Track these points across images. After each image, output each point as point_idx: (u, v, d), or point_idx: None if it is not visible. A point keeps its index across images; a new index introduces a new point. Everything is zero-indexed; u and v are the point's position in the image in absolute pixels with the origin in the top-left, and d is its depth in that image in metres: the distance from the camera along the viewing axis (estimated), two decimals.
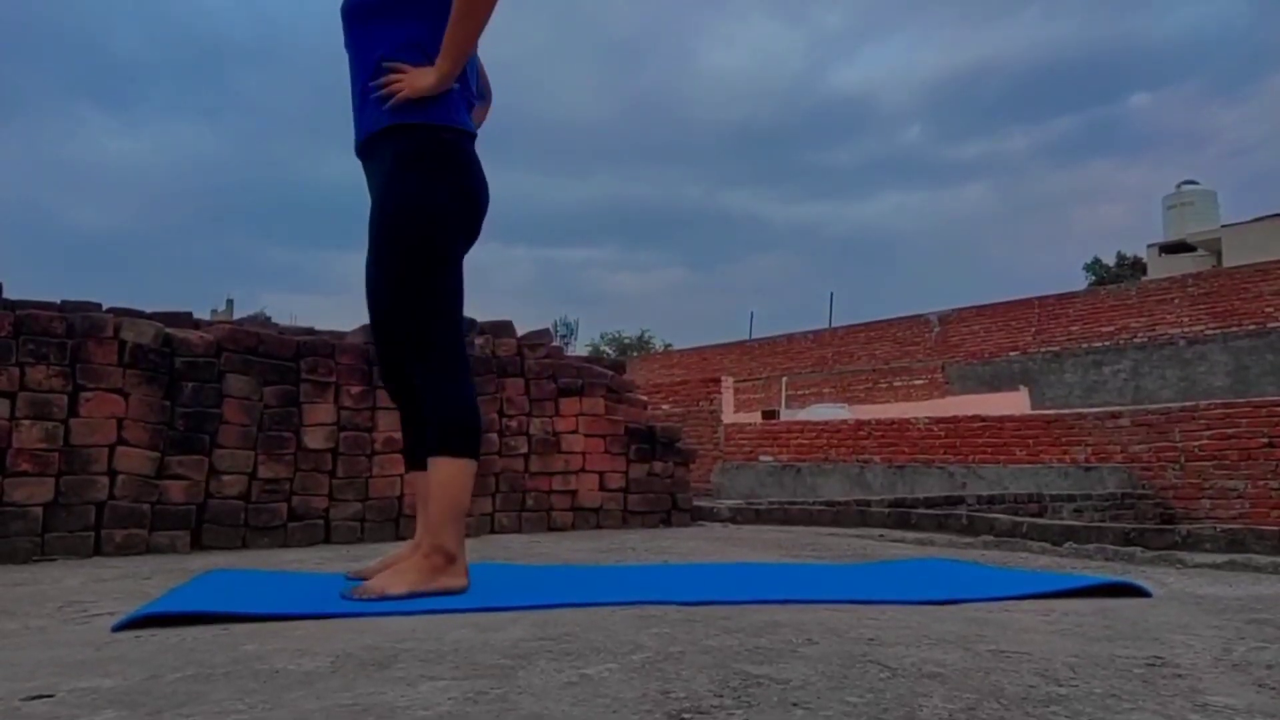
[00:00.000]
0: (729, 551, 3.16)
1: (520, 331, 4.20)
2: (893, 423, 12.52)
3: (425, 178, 2.03)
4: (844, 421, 13.17)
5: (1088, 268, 34.25)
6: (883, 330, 20.43)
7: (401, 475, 3.62)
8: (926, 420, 12.16)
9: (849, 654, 1.34)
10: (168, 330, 3.26)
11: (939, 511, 5.40)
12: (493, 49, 2.26)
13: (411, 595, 1.85)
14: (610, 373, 4.42)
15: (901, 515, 5.09)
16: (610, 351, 35.03)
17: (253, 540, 3.26)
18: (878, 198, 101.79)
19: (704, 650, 1.35)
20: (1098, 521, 7.05)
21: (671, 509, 4.38)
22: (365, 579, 1.98)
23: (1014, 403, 13.69)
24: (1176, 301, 16.51)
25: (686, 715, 1.02)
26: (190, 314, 3.62)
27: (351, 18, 2.14)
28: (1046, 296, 18.35)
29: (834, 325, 22.40)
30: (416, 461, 2.16)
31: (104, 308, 3.31)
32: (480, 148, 2.17)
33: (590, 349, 35.23)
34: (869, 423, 12.75)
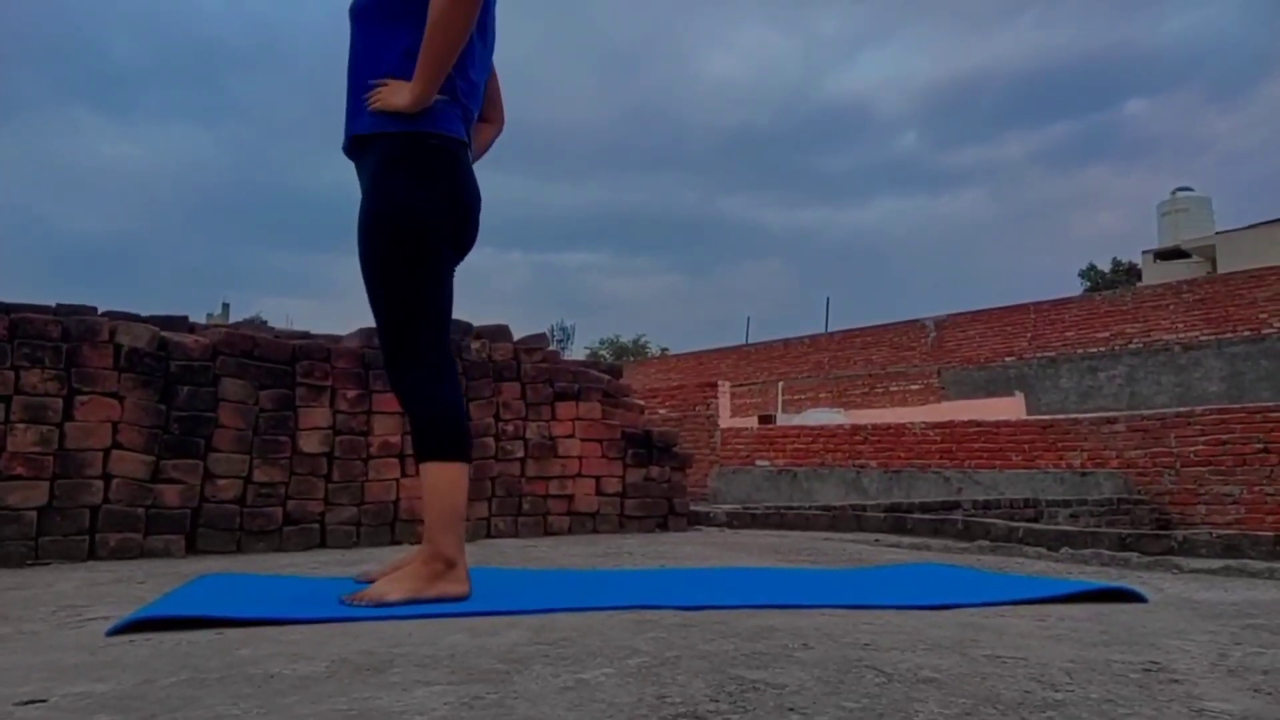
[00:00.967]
0: (725, 556, 3.16)
1: (517, 336, 4.19)
2: (889, 428, 12.52)
3: (408, 181, 2.00)
4: (840, 426, 13.17)
5: (1083, 274, 34.34)
6: (879, 335, 20.44)
7: (397, 479, 3.62)
8: (922, 425, 12.16)
9: (845, 659, 1.34)
10: (163, 334, 3.26)
11: (935, 516, 5.41)
12: (493, 51, 2.25)
13: (410, 601, 1.83)
14: (607, 377, 4.41)
15: (897, 520, 5.09)
16: (607, 356, 35.01)
17: (248, 544, 3.25)
18: (874, 204, 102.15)
19: (700, 655, 1.35)
20: (1093, 527, 7.07)
21: (668, 513, 4.38)
22: (374, 582, 1.97)
23: (1010, 408, 13.72)
24: (1171, 308, 16.54)
25: None
26: (186, 318, 3.61)
27: (357, 19, 2.14)
28: (1042, 302, 18.37)
29: (830, 330, 22.42)
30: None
31: (99, 311, 3.30)
32: None
33: (587, 353, 35.26)
34: (865, 428, 12.75)
